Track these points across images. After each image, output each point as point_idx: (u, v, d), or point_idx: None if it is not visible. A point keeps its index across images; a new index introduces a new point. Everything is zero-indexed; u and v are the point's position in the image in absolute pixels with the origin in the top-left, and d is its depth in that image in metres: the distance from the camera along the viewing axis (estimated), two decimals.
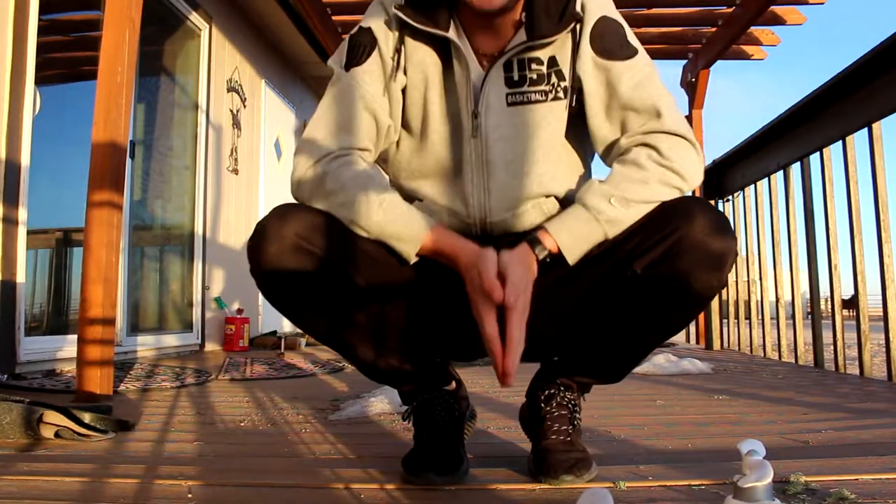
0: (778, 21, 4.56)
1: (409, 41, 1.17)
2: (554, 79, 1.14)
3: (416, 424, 1.27)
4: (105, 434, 1.68)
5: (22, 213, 2.92)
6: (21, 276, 2.91)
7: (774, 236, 3.71)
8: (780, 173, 3.61)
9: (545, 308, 1.11)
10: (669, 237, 1.01)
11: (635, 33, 1.19)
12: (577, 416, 1.23)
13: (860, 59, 2.71)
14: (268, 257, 1.04)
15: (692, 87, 5.22)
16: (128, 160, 2.69)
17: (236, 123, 5.45)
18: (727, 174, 4.34)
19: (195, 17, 4.78)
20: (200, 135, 4.88)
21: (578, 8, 1.13)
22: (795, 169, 3.43)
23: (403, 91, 1.18)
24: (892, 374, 2.61)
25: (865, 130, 2.73)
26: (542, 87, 1.14)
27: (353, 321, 1.12)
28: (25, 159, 2.93)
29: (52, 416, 1.64)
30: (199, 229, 4.82)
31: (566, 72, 1.14)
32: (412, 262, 1.08)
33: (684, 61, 5.32)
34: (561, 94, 1.15)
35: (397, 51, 1.16)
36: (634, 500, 1.05)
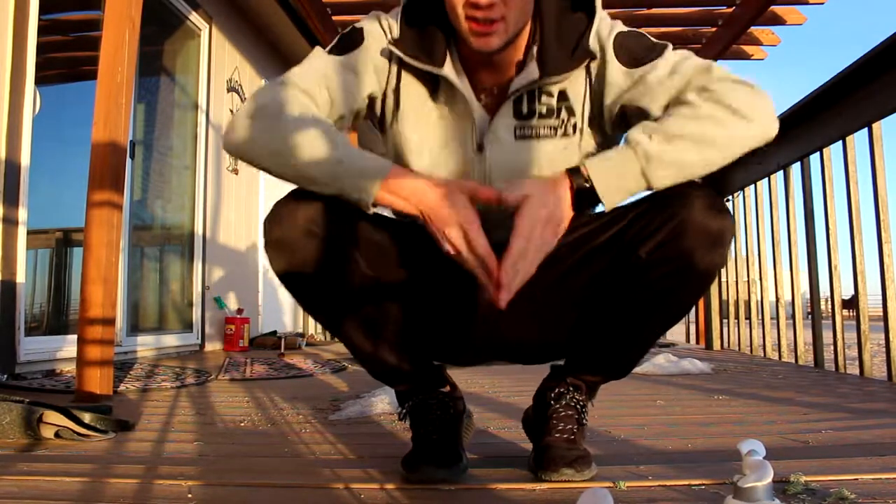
0: (778, 21, 4.56)
1: (403, 74, 1.15)
2: (564, 114, 1.12)
3: (413, 424, 1.27)
4: (105, 434, 1.68)
5: (22, 213, 2.92)
6: (21, 276, 2.90)
7: (774, 236, 3.71)
8: (780, 173, 3.61)
9: (552, 302, 1.12)
10: (670, 221, 1.03)
11: None
12: (584, 418, 1.23)
13: (860, 60, 2.71)
14: (281, 238, 1.05)
15: None
16: (128, 160, 2.69)
17: None
18: (727, 174, 4.33)
19: (195, 17, 4.78)
20: (200, 135, 4.88)
21: (593, 41, 1.09)
22: (795, 169, 3.43)
23: (393, 123, 1.17)
24: (892, 374, 2.61)
25: (865, 130, 2.73)
26: (552, 122, 1.12)
27: (356, 308, 1.13)
28: (25, 159, 2.93)
29: (52, 416, 1.64)
30: (199, 229, 4.82)
31: (577, 109, 1.12)
32: (371, 203, 1.03)
33: None
34: (570, 131, 1.12)
35: (395, 91, 1.15)
36: (634, 500, 1.05)
